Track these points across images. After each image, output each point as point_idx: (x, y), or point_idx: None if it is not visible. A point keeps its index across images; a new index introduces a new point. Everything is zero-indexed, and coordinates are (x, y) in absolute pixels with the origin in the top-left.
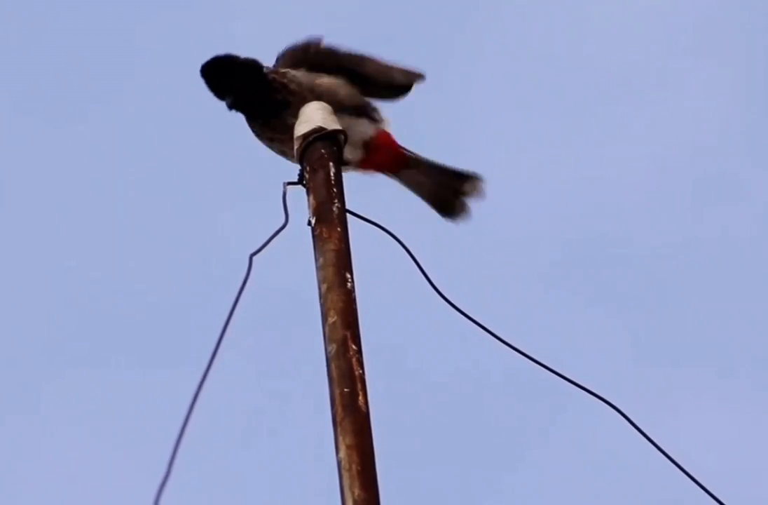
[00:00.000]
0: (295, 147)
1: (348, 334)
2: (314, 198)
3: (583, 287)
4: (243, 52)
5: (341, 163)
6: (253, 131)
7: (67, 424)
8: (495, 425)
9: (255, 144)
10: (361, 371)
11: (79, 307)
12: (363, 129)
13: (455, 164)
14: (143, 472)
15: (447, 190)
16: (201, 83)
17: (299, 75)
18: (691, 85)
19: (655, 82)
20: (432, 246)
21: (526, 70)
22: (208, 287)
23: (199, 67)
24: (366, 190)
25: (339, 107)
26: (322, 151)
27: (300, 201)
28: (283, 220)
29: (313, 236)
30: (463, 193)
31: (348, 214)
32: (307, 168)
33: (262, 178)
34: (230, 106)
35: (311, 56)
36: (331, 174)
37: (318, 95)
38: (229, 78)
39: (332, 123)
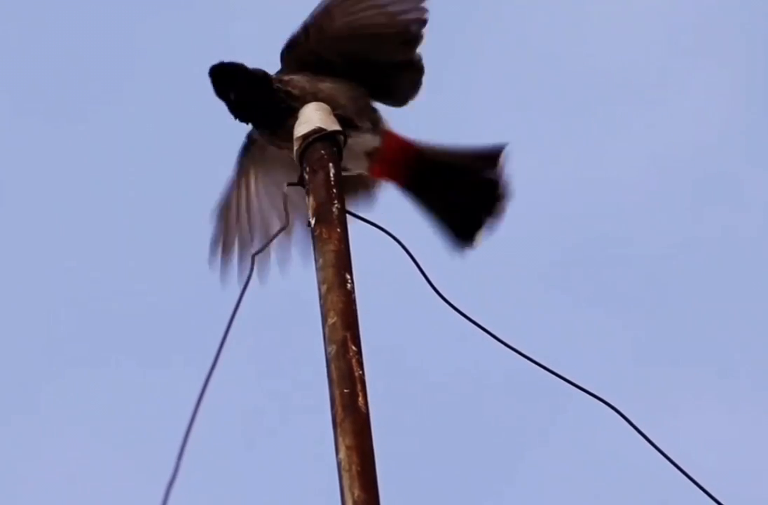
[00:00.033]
0: (295, 148)
1: (348, 335)
2: (314, 199)
3: (583, 287)
4: (243, 52)
5: (341, 165)
6: (263, 140)
7: (67, 424)
8: (495, 425)
9: None
10: (361, 372)
11: (79, 307)
12: (364, 140)
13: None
14: (143, 472)
15: (472, 191)
16: (201, 83)
17: (302, 80)
18: (691, 85)
19: (655, 82)
20: (432, 247)
21: (526, 70)
22: (208, 287)
23: (207, 71)
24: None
25: (341, 114)
26: (322, 152)
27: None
28: (283, 221)
29: (313, 237)
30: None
31: (348, 215)
32: (307, 169)
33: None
34: (235, 117)
35: (314, 45)
36: (331, 175)
37: (320, 101)
38: (234, 90)
39: (332, 124)
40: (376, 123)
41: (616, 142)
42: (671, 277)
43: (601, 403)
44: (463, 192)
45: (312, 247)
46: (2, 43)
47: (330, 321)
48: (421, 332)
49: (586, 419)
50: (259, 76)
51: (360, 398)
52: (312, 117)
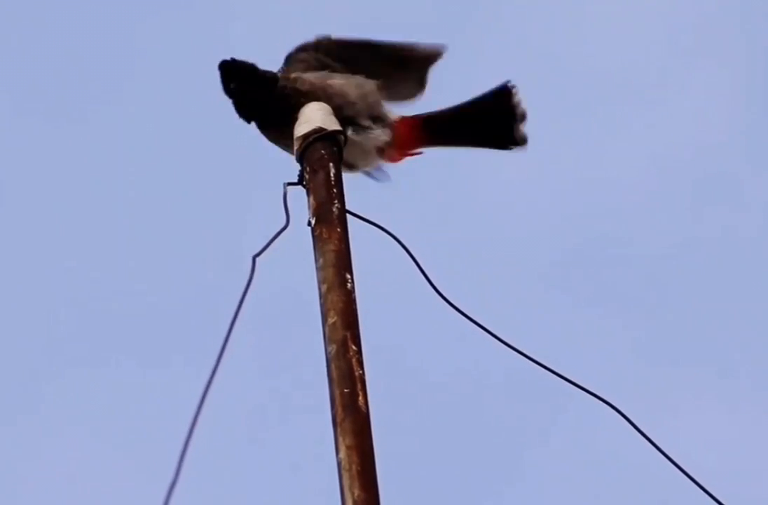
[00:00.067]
0: (295, 147)
1: (348, 334)
2: (314, 199)
3: (583, 287)
4: (243, 52)
5: (341, 164)
6: (268, 139)
7: (67, 424)
8: (495, 425)
9: (255, 144)
10: (361, 372)
11: (79, 307)
12: (375, 136)
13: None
14: (143, 472)
15: (491, 123)
16: (201, 83)
17: (311, 76)
18: (691, 85)
19: (655, 82)
20: (432, 246)
21: (526, 70)
22: (208, 287)
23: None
24: (366, 191)
25: (350, 112)
26: (322, 151)
27: (300, 201)
28: (284, 221)
29: (313, 237)
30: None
31: (348, 215)
32: (307, 169)
33: (263, 178)
34: (239, 115)
35: (322, 55)
36: (331, 175)
37: (329, 96)
38: (236, 81)
39: (332, 123)
40: (385, 119)
41: (616, 142)
42: (671, 277)
43: (601, 402)
44: (482, 119)
45: (312, 247)
46: (2, 43)
47: (330, 321)
48: (422, 332)
49: (586, 419)
50: (266, 73)
51: (360, 398)
52: (312, 117)
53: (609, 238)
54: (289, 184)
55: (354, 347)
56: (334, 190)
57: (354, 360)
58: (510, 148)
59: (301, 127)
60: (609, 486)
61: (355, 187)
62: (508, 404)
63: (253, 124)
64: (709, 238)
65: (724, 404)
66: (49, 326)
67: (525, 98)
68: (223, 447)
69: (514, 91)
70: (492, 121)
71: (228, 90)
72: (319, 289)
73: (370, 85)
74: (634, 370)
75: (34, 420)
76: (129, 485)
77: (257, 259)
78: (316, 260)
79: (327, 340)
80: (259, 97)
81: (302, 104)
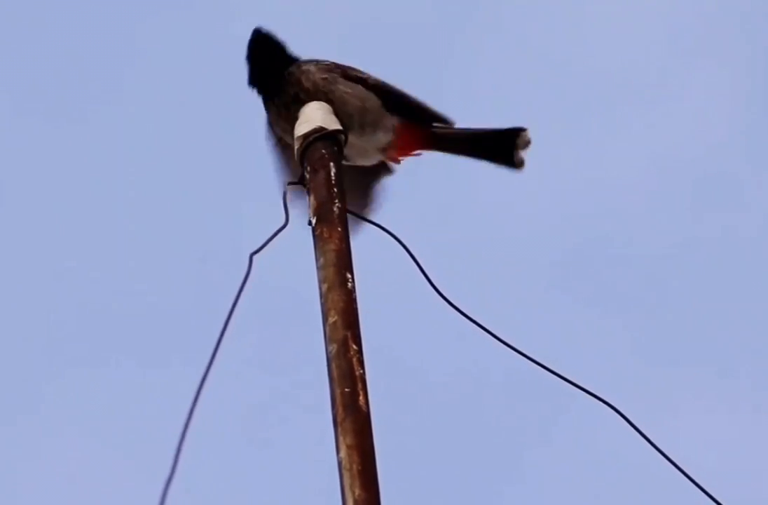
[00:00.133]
0: (296, 147)
1: (348, 334)
2: (315, 198)
3: (583, 288)
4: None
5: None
6: (268, 120)
7: (67, 424)
8: (495, 425)
9: (254, 144)
10: (361, 371)
11: (79, 307)
12: (377, 138)
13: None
14: (143, 472)
15: (494, 145)
16: (201, 83)
17: (318, 75)
18: (691, 86)
19: (655, 83)
20: (432, 246)
21: (526, 70)
22: (208, 287)
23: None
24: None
25: (345, 122)
26: (323, 151)
27: (301, 201)
28: (283, 220)
29: (314, 236)
30: (513, 147)
31: (348, 215)
32: (308, 168)
33: (263, 178)
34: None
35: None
36: (332, 174)
37: (329, 101)
38: (259, 59)
39: (332, 123)
40: (383, 128)
41: (616, 142)
42: (671, 277)
43: (601, 403)
44: (485, 138)
45: (313, 247)
46: (2, 43)
47: (331, 320)
48: (422, 332)
49: (586, 419)
50: (289, 56)
51: (361, 397)
52: (313, 116)
53: (609, 238)
54: (290, 183)
55: (354, 347)
56: (335, 190)
57: (354, 360)
58: (505, 165)
59: (302, 127)
60: (609, 486)
61: None
62: (508, 404)
63: (260, 102)
64: (709, 238)
65: (724, 404)
66: (49, 326)
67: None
68: (225, 446)
69: (526, 132)
70: (495, 144)
71: (249, 55)
72: (320, 288)
73: (373, 101)
74: (634, 370)
75: (34, 420)
76: (128, 485)
77: (254, 257)
78: (317, 260)
79: (327, 339)
80: (269, 73)
81: (301, 99)
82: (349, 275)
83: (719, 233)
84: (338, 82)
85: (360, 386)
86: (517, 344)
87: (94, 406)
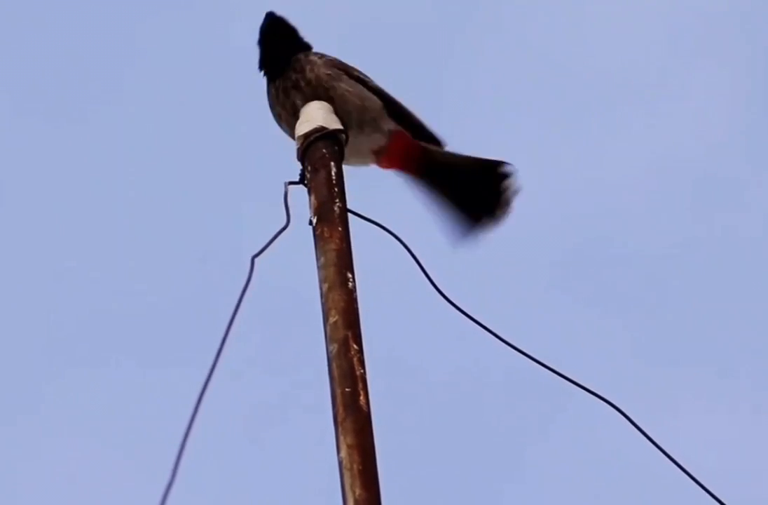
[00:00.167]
0: (296, 146)
1: (349, 333)
2: (315, 198)
3: (584, 287)
4: (243, 52)
5: (342, 163)
6: (269, 99)
7: (67, 424)
8: (495, 424)
9: (254, 144)
10: (362, 371)
11: (79, 307)
12: (369, 141)
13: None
14: (143, 472)
15: (479, 188)
16: (201, 83)
17: (323, 70)
18: (691, 86)
19: (655, 83)
20: (433, 246)
21: (526, 71)
22: (208, 287)
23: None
24: (367, 190)
25: (347, 118)
26: (324, 150)
27: (301, 200)
28: (284, 220)
29: (315, 236)
30: (498, 191)
31: (349, 214)
32: (309, 168)
33: (263, 178)
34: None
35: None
36: (333, 173)
37: (329, 98)
38: (269, 40)
39: (333, 122)
40: (381, 130)
41: (616, 143)
42: (671, 277)
43: (602, 402)
44: (470, 184)
45: (313, 246)
46: (2, 43)
47: (331, 320)
48: (423, 331)
49: (587, 418)
50: (299, 42)
51: (361, 397)
52: (314, 116)
53: (609, 238)
54: (291, 183)
55: (355, 346)
56: (336, 189)
57: (355, 359)
58: (481, 220)
59: (302, 126)
60: (609, 485)
61: (357, 186)
62: (508, 403)
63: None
64: (709, 238)
65: (724, 404)
66: (49, 326)
67: (519, 185)
68: (225, 447)
69: (511, 176)
70: (478, 194)
71: (261, 35)
72: (321, 288)
73: (373, 101)
74: (635, 370)
75: (34, 420)
76: (128, 485)
77: (256, 259)
78: (318, 259)
79: (328, 339)
80: (276, 55)
81: (300, 87)
82: (349, 275)
83: (719, 233)
84: (341, 79)
85: (360, 385)
86: (518, 343)
87: (94, 406)
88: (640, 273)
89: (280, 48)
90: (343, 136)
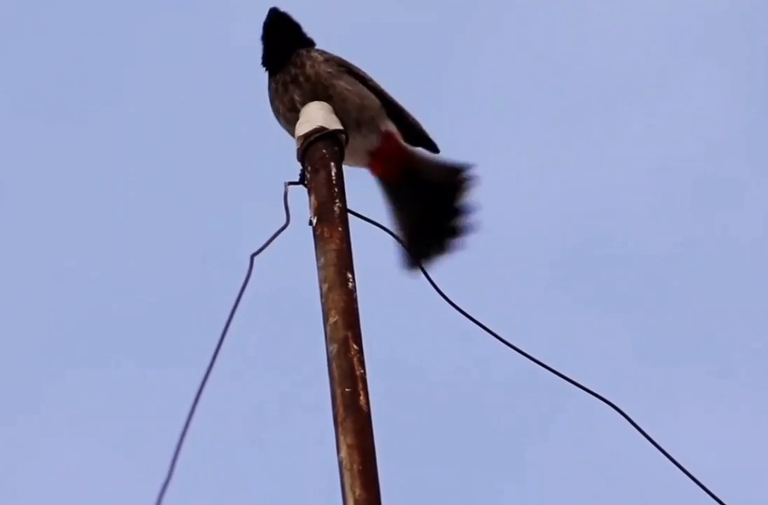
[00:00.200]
0: (296, 147)
1: (349, 334)
2: (315, 198)
3: (584, 288)
4: (243, 52)
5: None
6: (269, 92)
7: (67, 424)
8: (495, 424)
9: (254, 144)
10: (362, 371)
11: (79, 307)
12: (365, 141)
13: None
14: (143, 472)
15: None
16: (201, 84)
17: (323, 67)
18: (691, 86)
19: (655, 83)
20: None
21: (526, 71)
22: (208, 287)
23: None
24: (367, 190)
25: (345, 117)
26: (324, 151)
27: (301, 200)
28: (284, 220)
29: (315, 236)
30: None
31: (349, 214)
32: (309, 168)
33: (263, 178)
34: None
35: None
36: (333, 174)
37: (328, 96)
38: (272, 35)
39: (333, 123)
40: (376, 130)
41: (616, 143)
42: (671, 277)
43: (601, 402)
44: (432, 212)
45: (313, 246)
46: (2, 43)
47: (331, 320)
48: (423, 331)
49: (587, 418)
50: (302, 37)
51: (361, 397)
52: (314, 116)
53: (609, 238)
54: (291, 183)
55: (355, 347)
56: (336, 190)
57: (355, 359)
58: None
59: (303, 127)
60: (609, 485)
61: (357, 186)
62: (508, 403)
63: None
64: (709, 238)
65: (724, 404)
66: (49, 326)
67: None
68: (224, 447)
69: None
70: (432, 226)
71: (264, 29)
72: (321, 288)
73: (372, 100)
74: (634, 370)
75: (34, 420)
76: (128, 485)
77: (255, 258)
78: (318, 259)
79: (328, 339)
80: (278, 48)
81: (299, 83)
82: (349, 275)
83: (719, 233)
84: (341, 77)
85: (360, 385)
86: (518, 343)
87: (93, 406)
88: (640, 273)
89: (282, 43)
90: (343, 136)
